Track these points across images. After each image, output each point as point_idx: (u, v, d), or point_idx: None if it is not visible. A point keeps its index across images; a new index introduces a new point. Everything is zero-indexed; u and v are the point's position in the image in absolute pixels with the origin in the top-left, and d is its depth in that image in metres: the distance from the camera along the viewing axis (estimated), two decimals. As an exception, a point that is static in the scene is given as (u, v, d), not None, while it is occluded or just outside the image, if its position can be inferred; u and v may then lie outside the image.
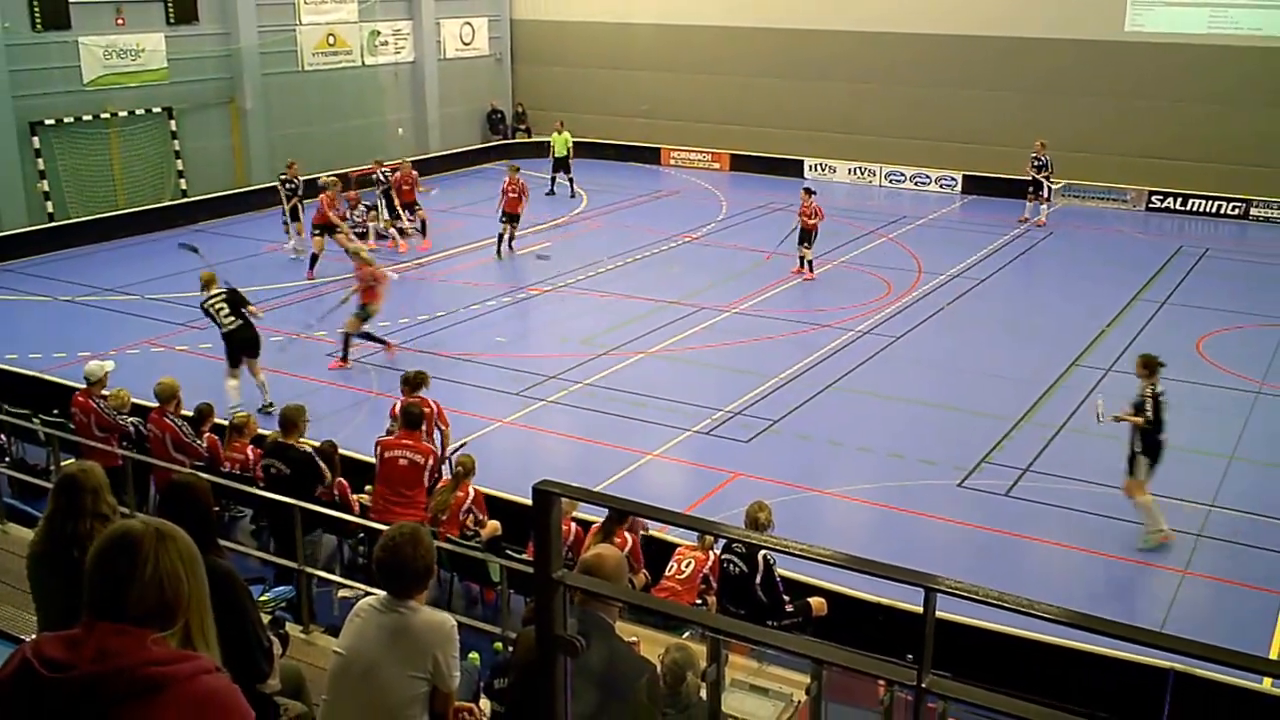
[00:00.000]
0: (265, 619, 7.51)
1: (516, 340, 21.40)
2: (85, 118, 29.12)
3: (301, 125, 34.33)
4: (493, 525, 12.39)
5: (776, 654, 7.03)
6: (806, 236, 25.27)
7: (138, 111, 30.28)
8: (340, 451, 13.01)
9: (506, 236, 27.25)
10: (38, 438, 14.35)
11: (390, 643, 5.35)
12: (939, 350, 20.83)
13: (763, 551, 10.32)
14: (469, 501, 12.19)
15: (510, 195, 27.02)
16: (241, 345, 17.62)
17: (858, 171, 36.80)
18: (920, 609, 3.19)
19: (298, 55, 34.57)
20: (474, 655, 8.60)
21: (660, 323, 22.13)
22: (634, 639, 6.31)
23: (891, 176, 35.94)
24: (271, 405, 17.02)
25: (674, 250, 27.81)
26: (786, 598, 10.38)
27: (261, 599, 9.85)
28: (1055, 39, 33.23)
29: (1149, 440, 13.95)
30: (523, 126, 41.77)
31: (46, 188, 28.43)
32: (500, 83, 42.53)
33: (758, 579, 10.30)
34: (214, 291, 17.57)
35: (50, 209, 28.51)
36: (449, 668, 5.40)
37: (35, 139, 28.11)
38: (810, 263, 25.49)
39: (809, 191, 25.76)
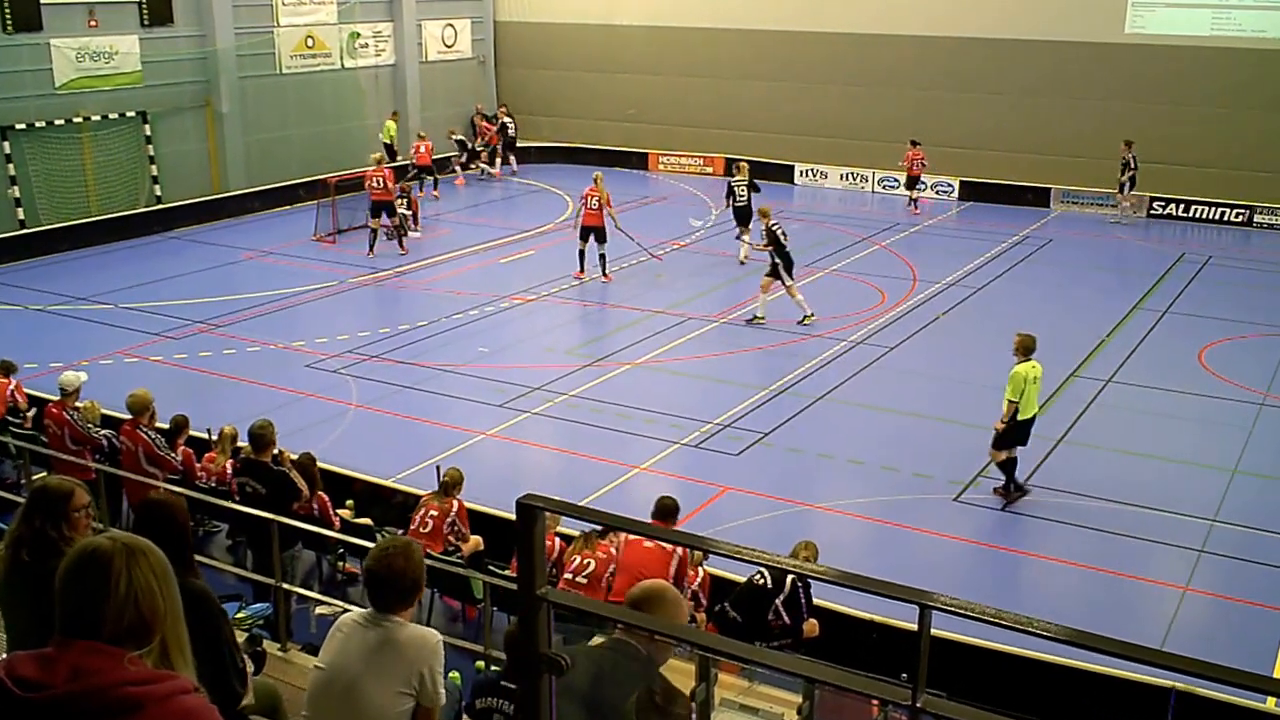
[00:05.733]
0: (241, 637, 7.51)
1: (500, 351, 21.37)
2: (57, 122, 29.02)
3: (279, 129, 34.30)
4: (475, 540, 12.38)
5: (767, 673, 7.04)
6: (914, 182, 33.23)
7: (111, 115, 30.19)
8: (319, 465, 12.98)
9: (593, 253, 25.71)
10: (8, 450, 14.29)
11: (374, 658, 5.34)
12: (934, 361, 20.84)
13: (793, 575, 10.33)
14: (453, 515, 12.19)
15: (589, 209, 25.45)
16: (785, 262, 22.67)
17: (850, 177, 36.89)
18: (915, 626, 3.19)
19: (275, 58, 34.50)
20: (455, 674, 8.57)
21: (647, 333, 22.12)
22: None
23: (885, 182, 35.97)
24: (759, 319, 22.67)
25: (662, 258, 27.80)
26: (788, 621, 10.38)
27: (238, 616, 9.82)
28: (1054, 41, 33.33)
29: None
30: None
31: (17, 194, 28.34)
32: (484, 86, 42.55)
33: (781, 597, 10.31)
34: (772, 221, 22.62)
35: (21, 215, 28.42)
36: (435, 684, 5.39)
37: (5, 144, 28.02)
38: (916, 201, 33.62)
39: (915, 143, 32.85)
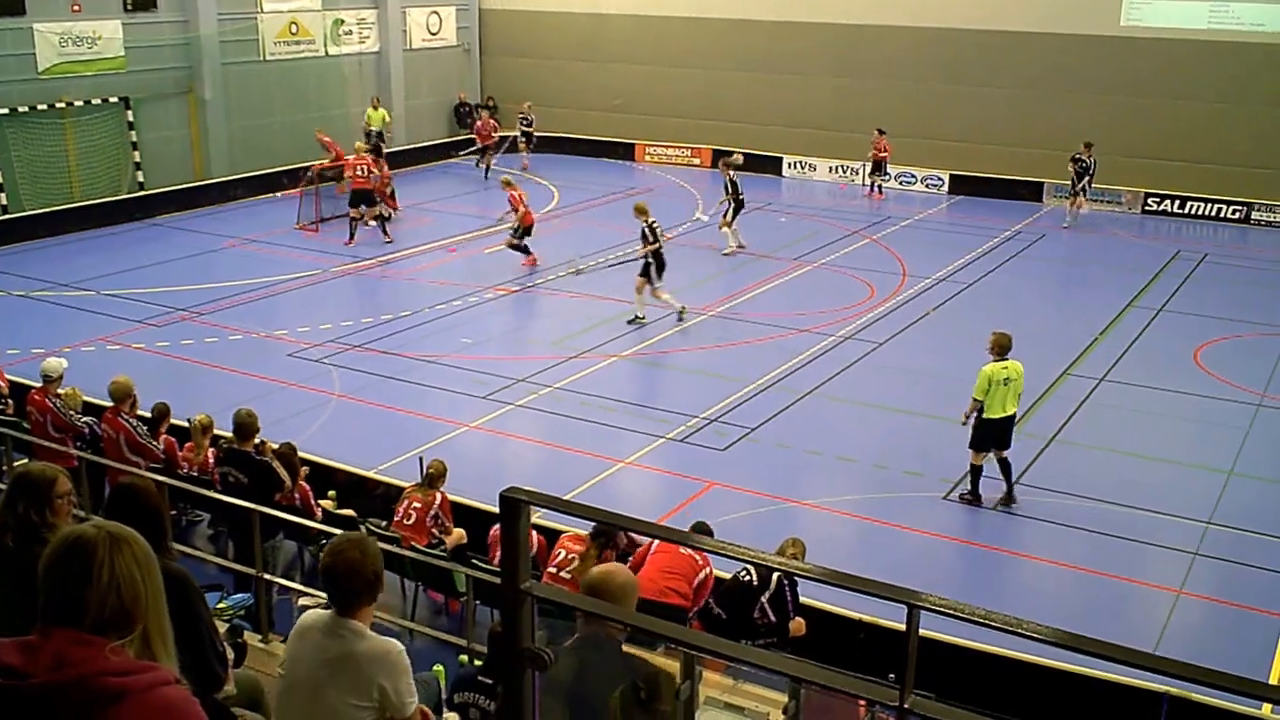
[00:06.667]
0: (222, 627, 7.49)
1: (484, 342, 21.34)
2: (40, 107, 28.95)
3: (262, 116, 34.17)
4: (458, 533, 12.39)
5: (753, 671, 7.03)
6: (879, 167, 33.94)
7: (94, 101, 30.14)
8: (301, 455, 12.97)
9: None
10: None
11: (334, 670, 5.23)
12: (924, 357, 20.82)
13: (780, 572, 10.33)
14: (436, 507, 12.19)
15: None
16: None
17: (839, 170, 36.87)
18: (903, 626, 3.18)
19: (259, 44, 34.43)
20: (438, 668, 8.58)
21: (633, 325, 22.13)
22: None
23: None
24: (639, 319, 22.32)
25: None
26: (774, 619, 10.39)
27: (219, 606, 9.81)
28: (1048, 33, 33.31)
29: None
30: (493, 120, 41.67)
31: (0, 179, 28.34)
32: (468, 74, 42.51)
33: (767, 595, 10.33)
34: (651, 219, 22.62)
35: (3, 201, 28.36)
36: (399, 695, 5.26)
37: (-15, 128, 28.02)
38: (881, 187, 34.50)
39: (881, 131, 33.53)
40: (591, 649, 4.86)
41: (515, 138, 37.98)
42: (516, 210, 25.74)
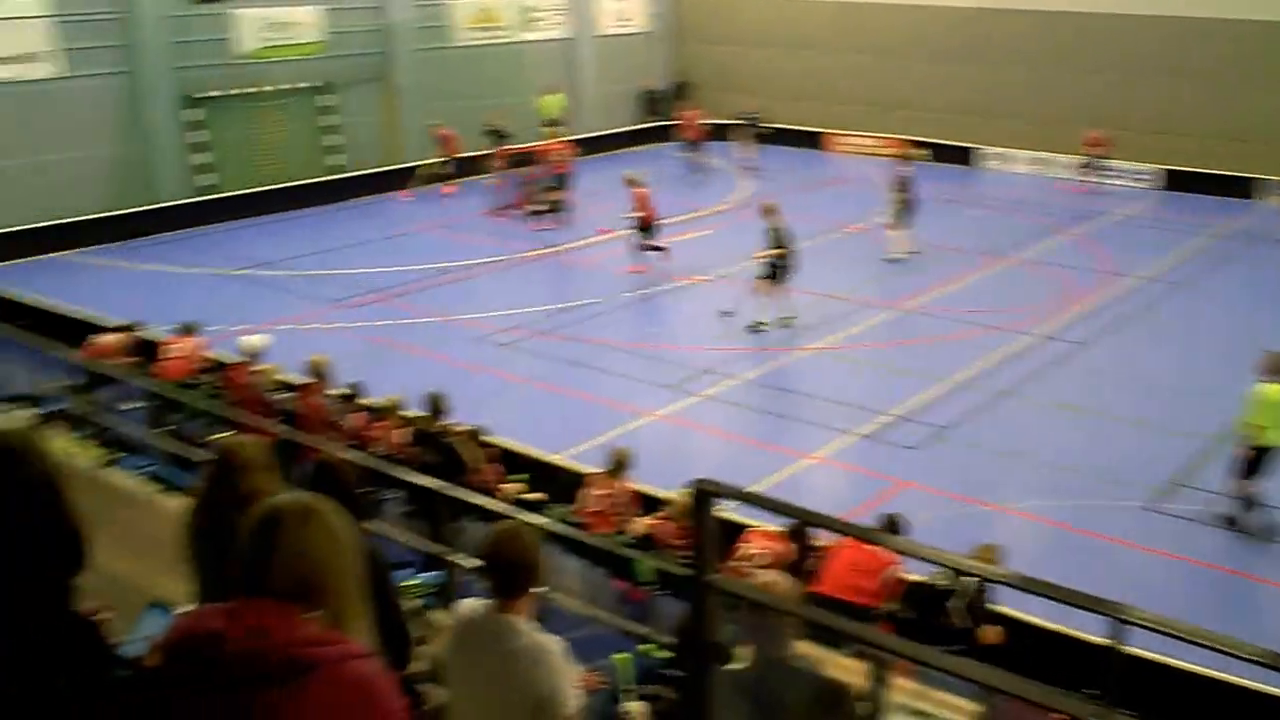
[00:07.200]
0: (411, 605, 7.66)
1: (669, 331, 21.43)
2: (240, 91, 30.09)
3: (454, 101, 34.82)
4: (642, 522, 12.42)
5: (941, 677, 6.94)
6: (1091, 162, 33.49)
7: (292, 85, 31.25)
8: (489, 439, 13.17)
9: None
10: (193, 410, 14.71)
11: (493, 666, 5.23)
12: (1127, 359, 20.27)
13: (971, 577, 10.22)
14: (621, 495, 12.26)
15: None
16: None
17: (1039, 162, 36.07)
18: (1105, 640, 3.11)
19: (450, 30, 35.28)
20: (622, 656, 8.62)
21: (822, 318, 21.97)
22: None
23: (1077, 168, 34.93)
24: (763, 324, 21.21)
25: (837, 242, 27.51)
26: (965, 624, 10.28)
27: (409, 584, 10.02)
28: (1268, 21, 32.00)
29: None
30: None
31: (202, 160, 29.41)
32: (660, 61, 42.69)
33: (958, 600, 10.25)
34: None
35: (207, 182, 29.53)
36: (555, 694, 5.14)
37: (192, 111, 29.14)
38: (1085, 181, 33.65)
39: (1097, 127, 32.90)
40: (764, 656, 4.85)
41: (752, 129, 37.09)
42: (642, 209, 24.74)
